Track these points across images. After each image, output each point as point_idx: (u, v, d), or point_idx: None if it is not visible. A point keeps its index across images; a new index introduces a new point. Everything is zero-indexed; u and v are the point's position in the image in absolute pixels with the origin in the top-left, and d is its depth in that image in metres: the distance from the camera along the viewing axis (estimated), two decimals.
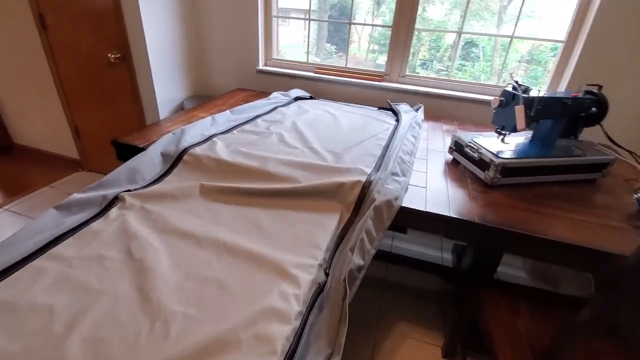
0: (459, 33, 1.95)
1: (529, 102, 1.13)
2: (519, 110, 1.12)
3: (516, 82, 1.19)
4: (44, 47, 2.25)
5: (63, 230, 0.87)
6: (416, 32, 1.99)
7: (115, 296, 0.71)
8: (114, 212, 0.95)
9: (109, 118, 2.32)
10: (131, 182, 1.09)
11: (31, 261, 0.78)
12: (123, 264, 0.79)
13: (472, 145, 1.26)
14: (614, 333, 0.87)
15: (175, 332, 0.64)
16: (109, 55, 2.05)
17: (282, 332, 0.66)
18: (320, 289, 0.80)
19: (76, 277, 0.75)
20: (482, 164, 1.20)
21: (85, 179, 2.54)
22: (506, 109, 1.19)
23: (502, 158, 1.14)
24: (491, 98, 1.82)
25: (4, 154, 2.83)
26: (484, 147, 1.21)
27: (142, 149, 1.26)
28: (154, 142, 1.28)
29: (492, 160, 1.15)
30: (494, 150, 1.19)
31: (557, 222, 1.00)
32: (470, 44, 2.22)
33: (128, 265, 0.79)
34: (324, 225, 0.97)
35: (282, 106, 1.82)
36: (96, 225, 0.91)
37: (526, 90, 1.17)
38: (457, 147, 1.34)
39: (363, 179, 1.07)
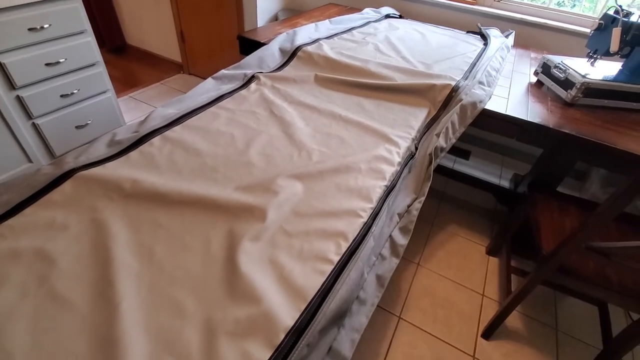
0: None
1: (628, 26, 1.17)
2: (616, 32, 1.17)
3: (620, 6, 1.21)
4: None
5: (222, 92, 1.18)
6: None
7: (269, 134, 1.02)
8: (253, 86, 1.24)
9: (212, 25, 2.59)
10: (260, 67, 1.36)
11: (207, 108, 1.10)
12: (269, 118, 1.09)
13: (560, 65, 1.34)
14: None
15: (315, 159, 0.94)
16: None
17: (389, 170, 0.92)
18: (411, 156, 1.05)
19: (240, 121, 1.06)
20: (567, 83, 1.29)
21: (187, 81, 2.93)
22: (603, 32, 1.24)
23: (588, 78, 1.23)
24: (588, 30, 1.78)
25: (119, 53, 3.29)
26: (572, 68, 1.30)
27: (264, 44, 1.51)
28: (271, 40, 1.52)
29: (577, 80, 1.24)
30: (582, 72, 1.27)
31: (633, 140, 1.11)
32: None
33: (273, 119, 1.08)
34: (415, 115, 1.18)
35: (374, 22, 1.94)
36: (243, 92, 1.20)
37: (627, 14, 1.20)
38: (544, 68, 1.42)
39: (452, 83, 1.24)
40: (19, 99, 1.52)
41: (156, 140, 0.95)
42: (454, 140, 1.15)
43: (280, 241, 0.71)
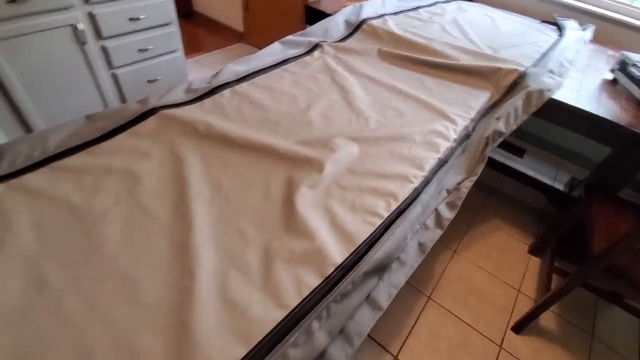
0: None
1: None
2: None
3: None
4: None
5: (287, 56, 1.23)
6: None
7: (330, 99, 1.06)
8: (316, 53, 1.28)
9: None
10: (324, 37, 1.39)
11: (273, 70, 1.16)
12: (330, 84, 1.12)
13: (638, 64, 1.24)
14: None
15: (372, 126, 0.97)
16: None
17: (443, 144, 0.94)
18: (467, 136, 1.04)
19: (303, 84, 1.11)
20: None
21: (246, 50, 3.03)
22: None
23: None
24: None
25: (186, 18, 3.47)
26: None
27: (329, 15, 1.54)
28: (336, 11, 1.54)
29: None
30: None
31: None
32: None
33: (334, 85, 1.12)
34: (476, 96, 1.16)
35: (442, 2, 1.89)
36: (307, 58, 1.25)
37: None
38: (622, 65, 1.33)
39: (520, 69, 1.20)
40: (103, 49, 1.68)
41: (226, 92, 1.03)
42: (514, 127, 1.12)
43: (334, 192, 0.76)
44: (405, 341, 1.27)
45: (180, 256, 0.61)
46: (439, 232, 0.87)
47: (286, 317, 0.55)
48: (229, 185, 0.75)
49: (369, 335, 1.27)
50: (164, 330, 0.52)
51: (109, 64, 1.74)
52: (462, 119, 1.04)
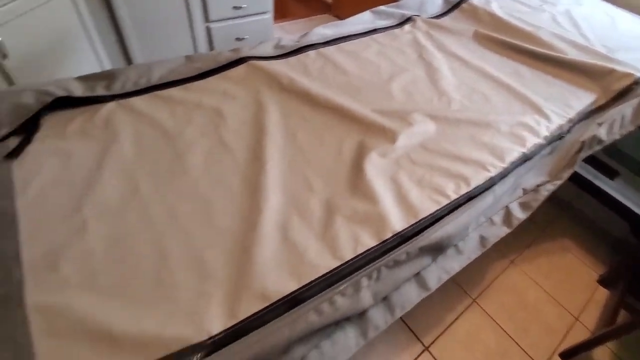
0: None
1: None
2: None
3: None
4: None
5: (377, 26, 1.21)
6: None
7: (414, 74, 1.02)
8: (407, 27, 1.24)
9: None
10: (419, 11, 1.33)
11: (360, 37, 1.15)
12: (417, 60, 1.09)
13: None
14: None
15: (454, 107, 0.93)
16: None
17: (531, 139, 0.86)
18: (559, 137, 0.95)
19: (389, 56, 1.08)
20: None
21: (329, 21, 3.03)
22: None
23: None
24: None
25: None
26: None
27: None
28: None
29: None
30: None
31: None
32: None
33: (420, 61, 1.08)
34: (578, 96, 1.04)
35: None
36: (396, 31, 1.21)
37: None
38: None
39: (637, 74, 1.05)
40: (203, 2, 1.79)
41: (312, 53, 1.05)
42: (616, 136, 0.99)
43: (404, 164, 0.75)
44: (439, 336, 1.24)
45: (250, 192, 0.65)
46: (505, 230, 0.82)
47: (339, 267, 0.57)
48: (303, 138, 0.78)
49: (403, 320, 1.26)
50: (228, 251, 0.57)
51: (206, 17, 1.85)
52: (558, 117, 0.95)
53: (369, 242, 0.60)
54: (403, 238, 0.62)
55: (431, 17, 1.31)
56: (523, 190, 0.87)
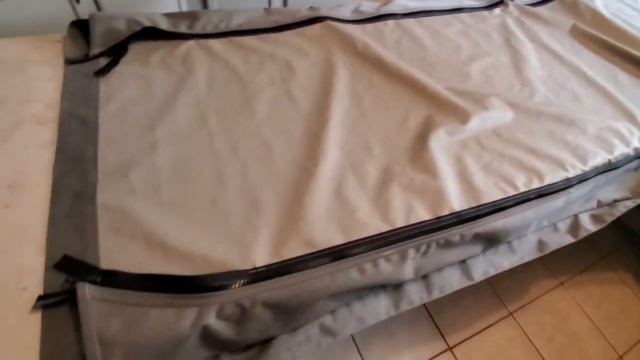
0: None
1: None
2: None
3: None
4: None
5: (463, 5, 1.13)
6: None
7: (497, 59, 0.95)
8: (497, 10, 1.14)
9: None
10: None
11: (444, 14, 1.08)
12: (503, 45, 1.00)
13: None
14: None
15: (537, 99, 0.85)
16: None
17: (620, 147, 0.77)
18: None
19: (472, 37, 1.01)
20: None
21: None
22: None
23: None
24: None
25: None
26: None
27: None
28: None
29: None
30: None
31: None
32: None
33: (506, 47, 1.00)
34: None
35: None
36: (485, 13, 1.13)
37: None
38: None
39: None
40: None
41: (390, 22, 1.00)
42: None
43: (472, 146, 0.71)
44: (465, 340, 1.19)
45: (310, 144, 0.65)
46: (569, 239, 0.75)
47: (388, 232, 0.55)
48: (369, 103, 0.76)
49: (430, 315, 1.22)
50: (282, 194, 0.57)
51: None
52: None
53: (423, 214, 0.58)
54: (460, 219, 0.59)
55: (527, 4, 1.20)
56: (598, 202, 0.79)
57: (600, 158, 0.74)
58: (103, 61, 0.72)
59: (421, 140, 0.69)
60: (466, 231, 0.59)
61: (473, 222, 0.59)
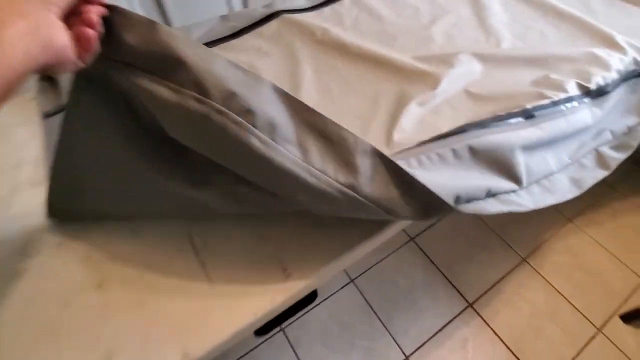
0: None
1: None
2: None
3: None
4: None
5: None
6: None
7: (458, 15, 0.93)
8: None
9: None
10: None
11: None
12: None
13: None
14: None
15: (504, 46, 0.84)
16: None
17: (598, 73, 0.76)
18: (638, 74, 0.82)
19: None
20: None
21: None
22: None
23: None
24: None
25: None
26: None
27: None
28: None
29: None
30: None
31: None
32: None
33: (463, 0, 0.98)
34: None
35: None
36: None
37: None
38: None
39: None
40: None
41: (347, 1, 0.99)
42: None
43: (445, 112, 0.71)
44: (484, 294, 1.22)
45: None
46: (601, 173, 0.73)
47: None
48: (337, 90, 0.76)
49: (446, 276, 1.24)
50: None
51: None
52: (636, 50, 0.82)
53: None
54: None
55: None
56: (611, 133, 0.78)
57: (580, 87, 0.73)
58: None
59: (394, 119, 0.70)
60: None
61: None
